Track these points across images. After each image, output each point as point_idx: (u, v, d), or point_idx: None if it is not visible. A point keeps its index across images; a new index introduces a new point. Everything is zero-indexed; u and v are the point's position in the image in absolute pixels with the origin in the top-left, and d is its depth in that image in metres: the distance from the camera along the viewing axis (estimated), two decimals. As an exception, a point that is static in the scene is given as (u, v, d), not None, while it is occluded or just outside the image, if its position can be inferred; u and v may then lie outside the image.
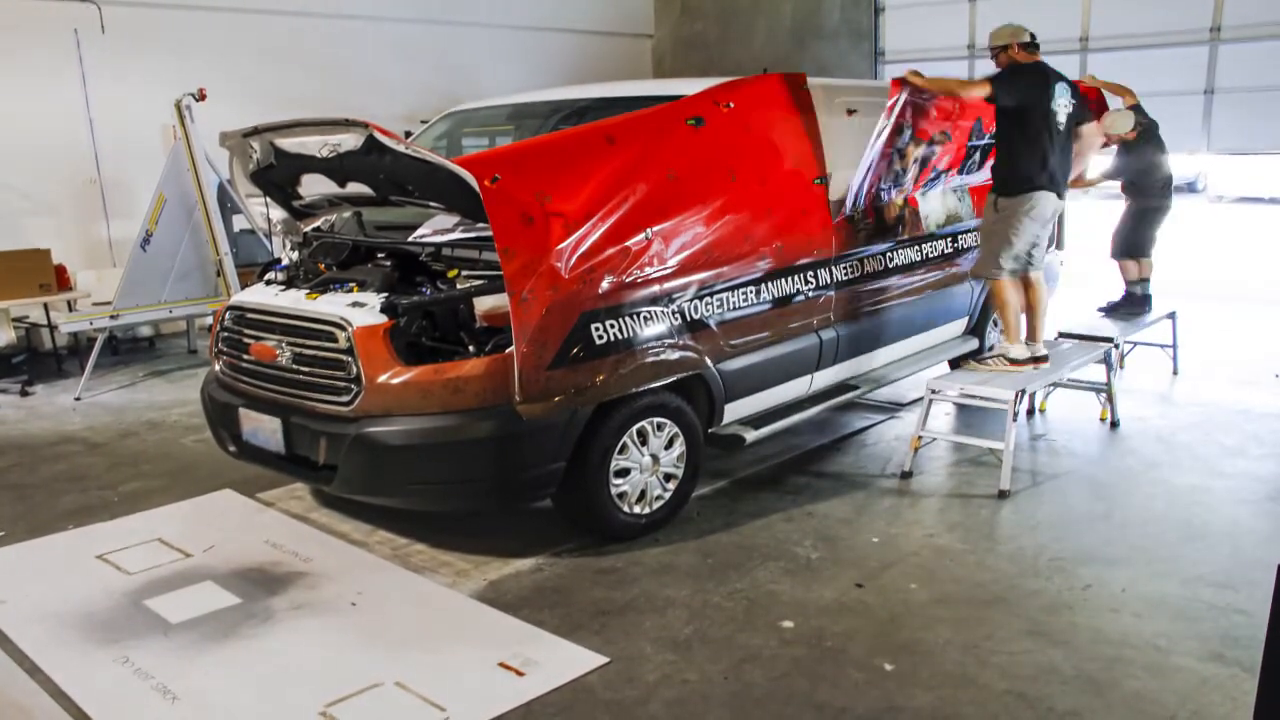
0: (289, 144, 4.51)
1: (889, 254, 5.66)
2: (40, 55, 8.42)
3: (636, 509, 4.45)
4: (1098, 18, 10.29)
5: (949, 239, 6.17)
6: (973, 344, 6.57)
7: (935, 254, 6.05)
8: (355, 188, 4.58)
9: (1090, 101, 6.20)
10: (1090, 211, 11.46)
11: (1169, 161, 6.90)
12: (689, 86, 4.76)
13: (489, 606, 3.91)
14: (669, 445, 4.52)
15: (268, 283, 4.82)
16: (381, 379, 4.01)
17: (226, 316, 4.73)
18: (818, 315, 5.18)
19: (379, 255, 4.66)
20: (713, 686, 3.32)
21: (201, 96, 7.46)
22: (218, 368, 4.79)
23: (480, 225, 4.14)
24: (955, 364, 6.22)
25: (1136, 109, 6.70)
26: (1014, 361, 5.48)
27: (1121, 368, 7.01)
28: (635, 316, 4.23)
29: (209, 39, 9.28)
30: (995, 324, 6.69)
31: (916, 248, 5.90)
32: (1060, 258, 7.46)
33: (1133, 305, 7.04)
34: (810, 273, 5.07)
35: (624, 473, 4.36)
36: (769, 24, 12.62)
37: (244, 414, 4.57)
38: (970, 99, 5.37)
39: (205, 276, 7.78)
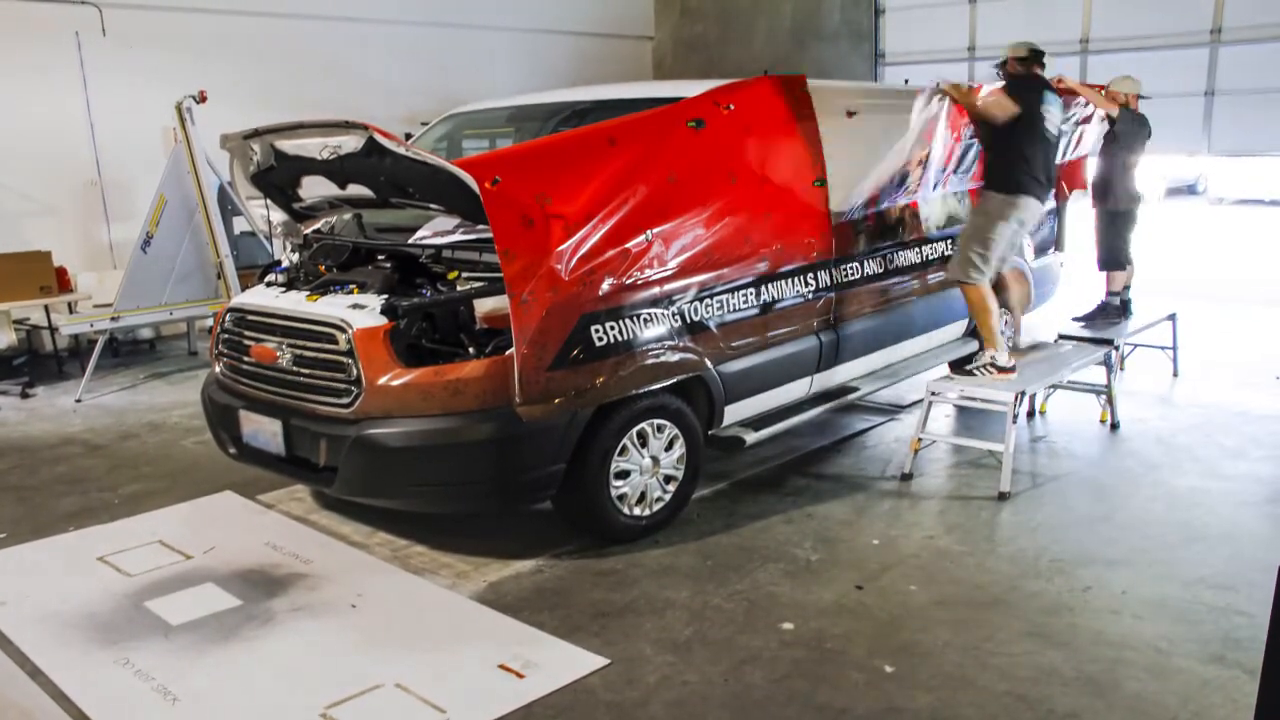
0: (289, 146, 4.52)
1: (889, 256, 5.66)
2: (41, 57, 8.43)
3: (636, 511, 4.45)
4: (1098, 20, 10.30)
5: (949, 241, 6.16)
6: (972, 346, 6.56)
7: (935, 256, 6.05)
8: (355, 190, 4.59)
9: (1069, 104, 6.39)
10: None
11: (1141, 166, 6.86)
12: (689, 88, 4.76)
13: (489, 608, 3.91)
14: (669, 447, 4.52)
15: (268, 285, 4.82)
16: (382, 381, 4.02)
17: (227, 318, 4.73)
18: (818, 317, 5.18)
19: (379, 257, 4.66)
20: (713, 688, 3.33)
21: (202, 98, 7.46)
22: (218, 370, 4.79)
23: (480, 227, 4.14)
24: (954, 366, 6.22)
25: (1125, 110, 6.69)
26: (1001, 370, 5.48)
27: (1121, 369, 7.01)
28: (635, 318, 4.24)
29: (210, 41, 9.29)
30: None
31: (917, 250, 5.90)
32: (1060, 259, 7.47)
33: (1108, 315, 6.97)
34: (810, 274, 5.08)
35: (624, 474, 4.36)
36: (769, 25, 12.62)
37: (244, 416, 4.57)
38: (996, 120, 5.33)
39: (206, 278, 7.78)
